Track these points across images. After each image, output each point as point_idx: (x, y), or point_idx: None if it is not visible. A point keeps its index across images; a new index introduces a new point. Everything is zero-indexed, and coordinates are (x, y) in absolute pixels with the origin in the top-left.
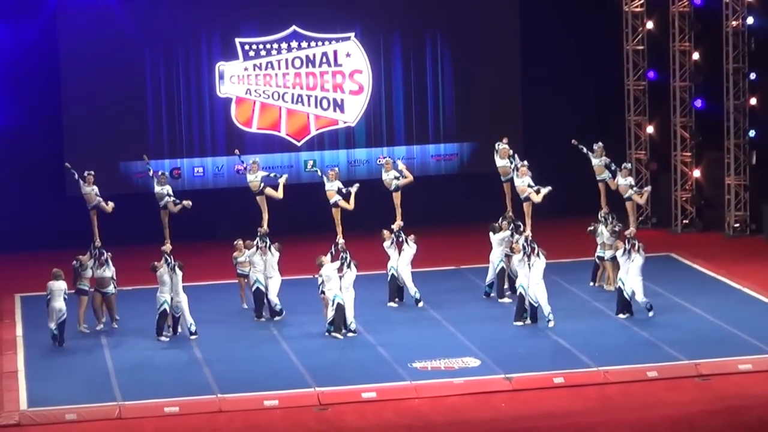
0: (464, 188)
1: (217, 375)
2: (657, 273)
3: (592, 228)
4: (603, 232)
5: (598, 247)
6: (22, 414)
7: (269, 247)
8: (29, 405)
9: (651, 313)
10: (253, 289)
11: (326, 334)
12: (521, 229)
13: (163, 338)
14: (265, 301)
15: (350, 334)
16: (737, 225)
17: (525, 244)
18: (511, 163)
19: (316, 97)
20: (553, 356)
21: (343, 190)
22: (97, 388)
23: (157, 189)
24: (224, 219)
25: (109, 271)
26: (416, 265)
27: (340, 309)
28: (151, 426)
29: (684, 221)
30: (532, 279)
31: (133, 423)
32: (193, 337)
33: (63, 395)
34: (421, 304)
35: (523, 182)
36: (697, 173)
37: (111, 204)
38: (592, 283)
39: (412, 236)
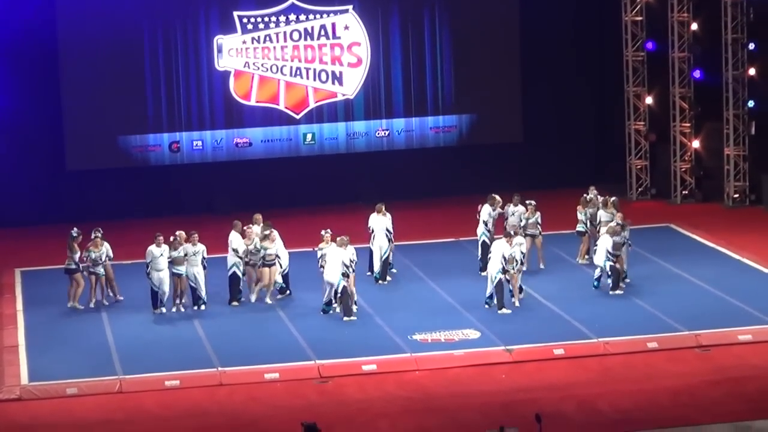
0: (463, 160)
1: (217, 348)
2: (656, 244)
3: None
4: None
5: (581, 223)
6: (23, 388)
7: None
8: (30, 379)
9: (596, 283)
10: (230, 273)
11: (344, 319)
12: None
13: (161, 311)
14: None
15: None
16: (736, 195)
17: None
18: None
19: (314, 70)
20: (553, 328)
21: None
22: (98, 362)
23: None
24: (223, 192)
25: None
26: (415, 238)
27: (345, 293)
28: (152, 400)
29: (683, 192)
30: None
31: (134, 397)
32: (199, 307)
33: (64, 370)
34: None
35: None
36: (696, 144)
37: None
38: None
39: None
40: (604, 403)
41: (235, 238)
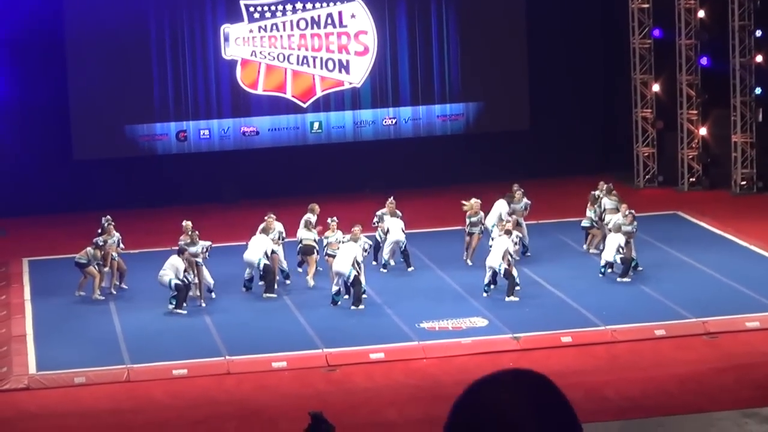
0: (470, 148)
1: (225, 337)
2: (664, 231)
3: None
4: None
5: (587, 219)
6: (31, 378)
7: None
8: (38, 369)
9: (603, 270)
10: (263, 267)
11: (352, 307)
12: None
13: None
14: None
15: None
16: (744, 182)
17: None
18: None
19: (321, 59)
20: (561, 315)
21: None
22: (106, 351)
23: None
24: (230, 181)
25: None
26: (423, 226)
27: (357, 282)
28: (160, 389)
29: (690, 179)
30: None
31: (142, 386)
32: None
33: (72, 359)
34: (383, 270)
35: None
36: (703, 131)
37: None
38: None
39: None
40: (612, 390)
41: (267, 243)
